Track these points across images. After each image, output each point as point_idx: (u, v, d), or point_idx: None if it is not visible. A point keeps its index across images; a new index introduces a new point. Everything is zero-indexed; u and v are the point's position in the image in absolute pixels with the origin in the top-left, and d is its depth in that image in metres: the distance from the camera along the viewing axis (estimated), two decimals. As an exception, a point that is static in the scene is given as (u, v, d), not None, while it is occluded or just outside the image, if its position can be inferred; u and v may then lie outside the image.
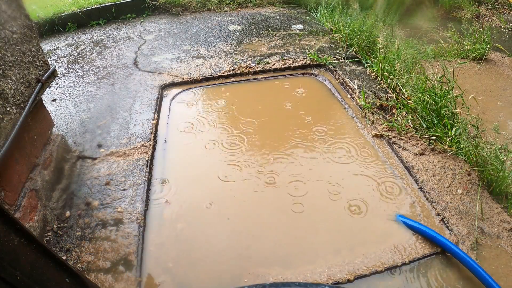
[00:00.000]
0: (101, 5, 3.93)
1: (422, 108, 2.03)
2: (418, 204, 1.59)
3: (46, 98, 2.46)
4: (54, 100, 2.47)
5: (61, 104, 2.41)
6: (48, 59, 2.27)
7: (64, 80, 2.74)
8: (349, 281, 1.28)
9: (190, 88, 2.52)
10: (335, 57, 2.86)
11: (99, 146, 1.98)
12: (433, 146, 1.87)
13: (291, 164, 1.80)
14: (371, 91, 2.38)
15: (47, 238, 1.47)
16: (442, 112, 1.96)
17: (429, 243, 1.40)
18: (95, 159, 1.89)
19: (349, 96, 2.38)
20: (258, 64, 2.78)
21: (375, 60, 2.69)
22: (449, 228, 1.46)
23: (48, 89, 2.32)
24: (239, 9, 4.29)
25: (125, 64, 2.92)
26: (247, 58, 2.90)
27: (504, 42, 3.34)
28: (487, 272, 1.20)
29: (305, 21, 3.78)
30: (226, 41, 3.27)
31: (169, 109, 2.30)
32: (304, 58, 2.82)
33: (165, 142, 2.01)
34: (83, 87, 2.62)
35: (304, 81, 2.58)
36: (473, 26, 3.32)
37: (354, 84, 2.42)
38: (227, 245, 1.42)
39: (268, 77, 2.64)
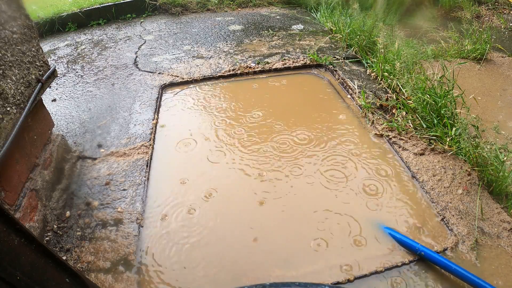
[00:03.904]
0: (101, 5, 3.93)
1: (422, 108, 2.03)
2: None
3: (46, 98, 2.46)
4: (54, 100, 2.47)
5: (61, 104, 2.41)
6: (48, 59, 2.27)
7: (64, 80, 2.74)
8: (349, 281, 1.28)
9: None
10: (335, 57, 2.86)
11: (99, 146, 1.98)
12: (433, 146, 1.87)
13: (290, 163, 1.80)
14: (371, 91, 2.38)
15: (47, 238, 1.47)
16: (442, 112, 1.96)
17: (429, 244, 1.40)
18: (95, 159, 1.89)
19: (349, 96, 2.38)
20: (258, 64, 2.78)
21: (375, 60, 2.69)
22: (449, 228, 1.46)
23: (48, 89, 2.32)
24: (239, 9, 4.29)
25: (125, 64, 2.92)
26: (247, 58, 2.90)
27: (504, 42, 3.34)
28: (485, 280, 1.19)
29: (305, 21, 3.78)
30: (226, 41, 3.27)
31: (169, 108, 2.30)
32: (304, 58, 2.82)
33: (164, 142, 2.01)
34: (83, 87, 2.62)
35: (304, 80, 2.58)
36: (473, 26, 3.32)
37: (354, 84, 2.42)
38: (227, 245, 1.42)
39: (268, 77, 2.64)
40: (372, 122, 2.08)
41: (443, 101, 1.97)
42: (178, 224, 1.50)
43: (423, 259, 1.33)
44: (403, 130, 1.99)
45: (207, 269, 1.33)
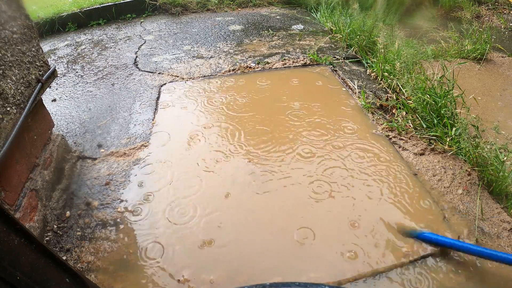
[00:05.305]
0: (101, 5, 3.93)
1: (422, 108, 2.03)
2: (418, 204, 1.59)
3: (46, 98, 2.46)
4: (54, 100, 2.47)
5: (61, 104, 2.41)
6: (48, 59, 2.28)
7: (64, 80, 2.74)
8: (348, 281, 1.28)
9: (190, 88, 2.53)
10: (335, 57, 2.86)
11: (99, 146, 1.98)
12: (433, 146, 1.87)
13: (287, 166, 1.80)
14: (371, 91, 2.38)
15: (47, 238, 1.47)
16: (442, 112, 1.96)
17: (428, 244, 1.40)
18: (95, 159, 1.89)
19: (349, 90, 2.38)
20: (258, 64, 2.78)
21: (375, 60, 2.69)
22: (450, 227, 1.46)
23: (48, 89, 2.32)
24: (239, 9, 4.29)
25: (125, 64, 2.92)
26: (247, 58, 2.90)
27: (504, 42, 3.34)
28: None
29: (305, 21, 3.78)
30: (226, 41, 3.27)
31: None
32: (304, 58, 2.82)
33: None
34: (83, 87, 2.62)
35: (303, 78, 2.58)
36: (473, 26, 3.32)
37: (354, 84, 2.43)
38: (224, 249, 1.42)
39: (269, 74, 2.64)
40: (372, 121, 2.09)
41: (443, 101, 1.97)
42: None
43: (423, 259, 1.33)
44: (403, 130, 1.99)
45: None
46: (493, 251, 1.21)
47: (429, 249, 1.37)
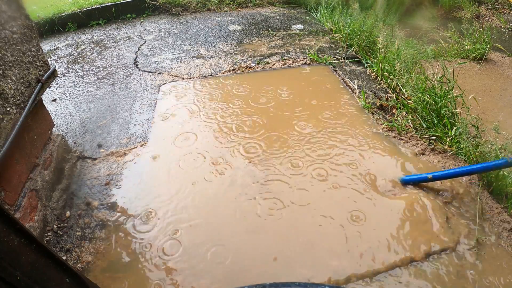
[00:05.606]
0: (101, 5, 3.93)
1: (422, 108, 2.03)
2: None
3: (46, 98, 2.46)
4: (54, 100, 2.47)
5: (61, 104, 2.42)
6: (48, 59, 2.28)
7: (64, 80, 2.74)
8: (348, 281, 1.28)
9: (190, 88, 2.52)
10: (335, 57, 2.86)
11: (99, 146, 1.98)
12: (433, 146, 1.87)
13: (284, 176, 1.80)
14: (371, 91, 2.38)
15: (47, 238, 1.47)
16: (442, 112, 1.96)
17: (429, 243, 1.40)
18: (95, 159, 1.89)
19: (348, 90, 2.38)
20: (258, 64, 2.78)
21: (375, 60, 2.69)
22: (450, 227, 1.46)
23: (48, 89, 2.32)
24: (239, 9, 4.29)
25: (125, 64, 2.92)
26: (247, 58, 2.90)
27: (504, 42, 3.34)
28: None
29: (305, 21, 3.78)
30: (226, 41, 3.28)
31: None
32: (304, 58, 2.82)
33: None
34: (83, 87, 2.62)
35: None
36: (473, 26, 3.32)
37: (354, 84, 2.43)
38: (223, 253, 1.42)
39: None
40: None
41: (443, 101, 1.97)
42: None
43: (423, 260, 1.34)
44: (403, 130, 1.99)
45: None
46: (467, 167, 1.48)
47: (432, 249, 1.37)
